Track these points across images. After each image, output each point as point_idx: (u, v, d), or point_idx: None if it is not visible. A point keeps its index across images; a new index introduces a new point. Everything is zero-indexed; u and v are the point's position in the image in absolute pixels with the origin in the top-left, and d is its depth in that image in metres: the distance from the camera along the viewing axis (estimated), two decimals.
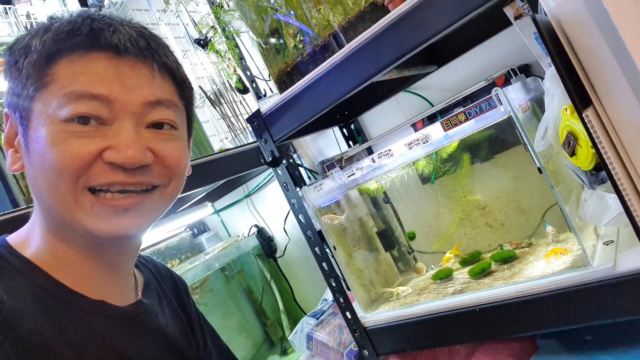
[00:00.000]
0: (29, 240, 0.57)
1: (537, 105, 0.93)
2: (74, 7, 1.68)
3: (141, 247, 1.80)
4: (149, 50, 0.56)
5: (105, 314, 0.57)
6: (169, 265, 1.69)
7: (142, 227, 0.58)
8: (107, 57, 0.54)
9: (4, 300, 0.48)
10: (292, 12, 1.04)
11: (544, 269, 0.88)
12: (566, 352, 0.92)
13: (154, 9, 1.69)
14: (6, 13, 1.67)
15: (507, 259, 1.02)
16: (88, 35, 0.53)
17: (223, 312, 1.68)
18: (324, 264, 1.09)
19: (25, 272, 0.53)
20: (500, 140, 1.08)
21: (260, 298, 1.76)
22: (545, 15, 0.61)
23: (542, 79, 0.82)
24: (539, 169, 0.79)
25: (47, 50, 0.52)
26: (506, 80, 1.04)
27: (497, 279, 0.96)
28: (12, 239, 0.57)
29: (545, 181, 0.81)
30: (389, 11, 0.85)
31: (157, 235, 1.76)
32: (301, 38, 1.05)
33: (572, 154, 0.68)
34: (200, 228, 1.97)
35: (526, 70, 1.07)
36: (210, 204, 1.92)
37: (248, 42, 1.49)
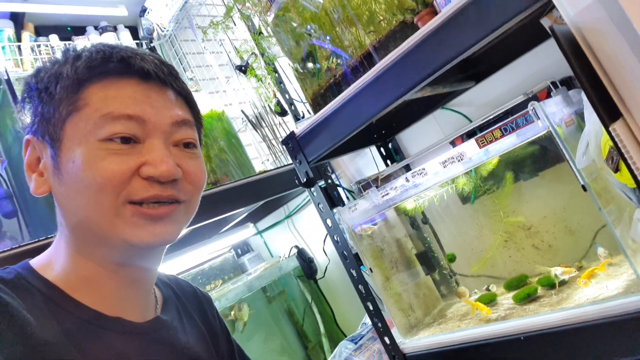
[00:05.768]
0: (51, 263, 0.59)
1: (581, 119, 0.88)
2: (127, 40, 1.80)
3: (186, 268, 1.83)
4: (170, 77, 0.62)
5: (121, 330, 0.58)
6: (212, 285, 1.73)
7: (174, 235, 0.61)
8: (136, 82, 0.59)
9: (22, 312, 0.50)
10: (328, 37, 1.05)
11: (594, 295, 0.81)
12: None
13: (199, 39, 1.77)
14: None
15: (555, 284, 0.95)
16: (120, 62, 0.58)
17: (265, 334, 1.67)
18: (361, 287, 1.06)
19: (43, 291, 0.55)
20: (545, 156, 1.02)
21: (302, 320, 1.74)
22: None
23: None
24: (582, 186, 0.74)
25: (80, 76, 0.56)
26: (548, 94, 0.99)
27: (544, 304, 0.89)
28: (35, 262, 0.60)
29: None
30: (418, 29, 0.84)
31: (202, 255, 1.80)
32: (334, 60, 1.06)
33: (616, 169, 0.63)
34: (243, 248, 2.00)
35: (569, 82, 1.01)
36: (253, 224, 1.95)
37: (286, 66, 1.52)
